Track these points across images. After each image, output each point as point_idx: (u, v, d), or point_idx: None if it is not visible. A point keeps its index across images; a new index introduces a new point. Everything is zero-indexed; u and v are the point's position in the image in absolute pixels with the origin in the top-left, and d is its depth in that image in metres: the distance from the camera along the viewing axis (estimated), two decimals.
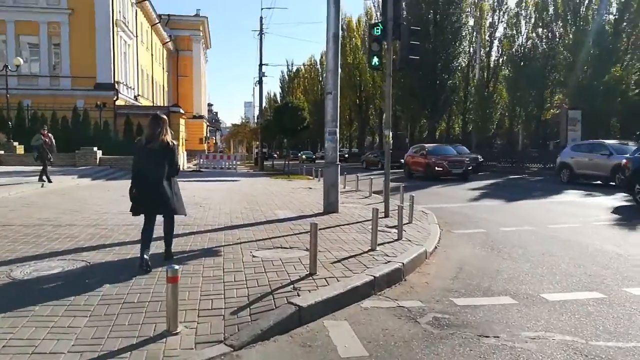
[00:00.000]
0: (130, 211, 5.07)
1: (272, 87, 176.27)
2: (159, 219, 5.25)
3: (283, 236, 6.91)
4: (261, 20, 34.26)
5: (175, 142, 5.11)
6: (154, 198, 4.96)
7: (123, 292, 4.16)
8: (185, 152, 36.51)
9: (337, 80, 9.41)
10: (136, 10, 37.86)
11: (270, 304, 3.88)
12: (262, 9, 51.41)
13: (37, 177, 14.38)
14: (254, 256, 5.58)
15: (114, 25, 30.84)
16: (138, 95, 38.14)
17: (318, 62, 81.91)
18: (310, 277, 4.60)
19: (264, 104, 47.25)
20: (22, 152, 22.96)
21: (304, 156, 50.33)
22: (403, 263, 5.22)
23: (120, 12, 32.55)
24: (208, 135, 67.09)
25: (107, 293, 4.12)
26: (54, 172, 17.37)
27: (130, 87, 35.86)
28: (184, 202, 5.50)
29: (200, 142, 51.28)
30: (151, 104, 40.87)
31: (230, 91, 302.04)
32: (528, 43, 41.54)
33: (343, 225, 8.00)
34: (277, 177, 22.11)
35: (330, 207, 9.45)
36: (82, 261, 5.21)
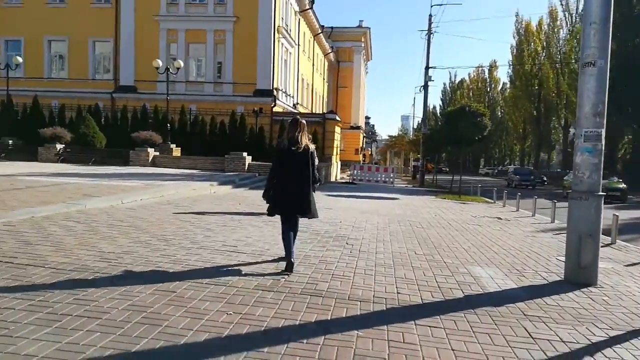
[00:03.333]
0: (267, 212, 5.17)
1: (432, 99, 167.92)
2: None
3: None
4: (430, 19, 30.15)
5: (314, 146, 5.18)
6: (297, 200, 4.99)
7: None
8: (339, 162, 34.17)
9: (607, 41, 5.01)
10: (299, 20, 37.00)
11: None
12: (432, 5, 45.68)
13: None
14: None
15: (276, 32, 29.95)
16: (297, 103, 37.19)
17: (486, 72, 74.53)
18: None
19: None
20: (179, 155, 22.60)
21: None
22: None
23: (283, 19, 31.68)
24: (364, 146, 65.01)
25: None
26: (196, 177, 15.81)
27: (290, 95, 34.93)
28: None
29: (355, 153, 49.12)
30: (310, 112, 39.71)
31: (387, 105, 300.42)
32: None
33: None
34: (444, 197, 17.72)
35: (583, 275, 5.03)
36: None
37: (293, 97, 35.97)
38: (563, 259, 6.51)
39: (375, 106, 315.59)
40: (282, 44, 32.09)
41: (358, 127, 53.87)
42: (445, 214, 11.87)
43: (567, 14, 47.07)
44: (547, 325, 3.68)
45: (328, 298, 3.98)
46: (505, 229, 9.51)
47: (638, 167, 35.32)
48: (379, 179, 24.90)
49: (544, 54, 51.36)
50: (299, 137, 4.94)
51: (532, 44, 52.24)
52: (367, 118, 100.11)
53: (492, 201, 16.64)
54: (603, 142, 5.05)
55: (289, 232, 4.99)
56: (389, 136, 62.14)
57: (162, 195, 11.00)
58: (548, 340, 3.39)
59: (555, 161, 66.32)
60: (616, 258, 6.86)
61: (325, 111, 44.46)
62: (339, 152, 32.79)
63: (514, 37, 54.61)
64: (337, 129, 29.75)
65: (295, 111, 35.30)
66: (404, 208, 12.64)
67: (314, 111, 42.77)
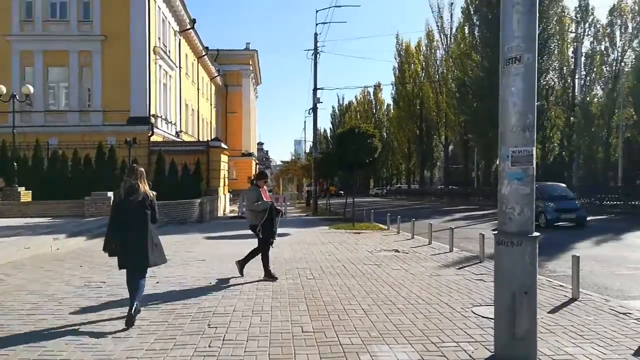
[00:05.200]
0: (119, 266, 4.99)
1: (323, 122, 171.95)
2: None
3: None
4: (316, 38, 29.58)
5: (154, 194, 5.08)
6: (136, 252, 4.90)
7: None
8: (227, 194, 31.92)
9: (534, 29, 3.89)
10: (180, 40, 34.46)
11: None
12: (317, 24, 45.20)
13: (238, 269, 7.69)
14: None
15: (152, 52, 27.21)
16: (181, 131, 34.32)
17: (371, 94, 77.15)
18: None
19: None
20: (29, 200, 18.85)
21: None
22: None
23: (160, 39, 29.02)
24: None
25: None
26: (41, 229, 12.76)
27: (172, 123, 32.05)
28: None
29: (248, 181, 47.10)
30: (195, 140, 36.99)
31: (280, 129, 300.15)
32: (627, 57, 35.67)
33: None
34: (338, 227, 16.51)
35: (519, 348, 3.75)
36: None
37: (175, 124, 33.13)
38: (480, 312, 5.35)
39: (268, 131, 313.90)
40: (160, 66, 29.38)
41: (250, 154, 51.99)
42: (340, 251, 10.50)
43: (442, 35, 49.70)
44: None
45: None
46: (406, 267, 8.33)
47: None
48: None
49: (423, 74, 54.07)
50: (137, 186, 4.90)
51: (413, 65, 54.66)
52: (260, 144, 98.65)
53: (386, 227, 15.78)
54: (534, 164, 3.87)
55: (133, 280, 4.92)
56: (282, 162, 61.20)
57: None
58: None
59: (437, 178, 70.23)
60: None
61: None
62: (227, 183, 30.63)
63: (396, 59, 56.76)
64: (224, 158, 27.67)
65: (178, 139, 32.46)
66: (295, 248, 11.06)
67: (201, 139, 40.09)
